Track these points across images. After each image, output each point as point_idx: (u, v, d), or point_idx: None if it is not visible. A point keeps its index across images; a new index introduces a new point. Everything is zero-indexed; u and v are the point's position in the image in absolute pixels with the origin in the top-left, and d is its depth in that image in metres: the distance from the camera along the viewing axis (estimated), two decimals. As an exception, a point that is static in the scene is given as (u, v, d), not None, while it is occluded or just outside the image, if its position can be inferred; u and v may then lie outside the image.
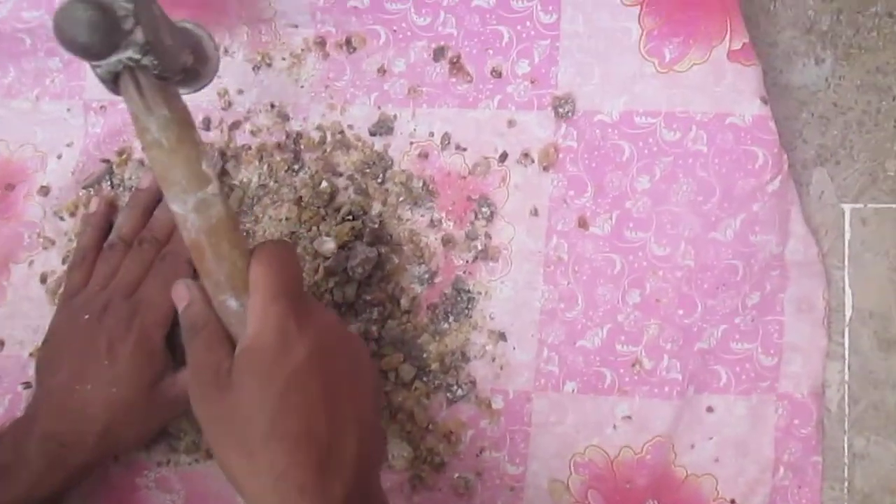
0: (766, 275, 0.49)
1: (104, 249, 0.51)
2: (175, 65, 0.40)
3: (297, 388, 0.37)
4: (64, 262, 0.55)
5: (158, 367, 0.48)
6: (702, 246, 0.49)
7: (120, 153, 0.55)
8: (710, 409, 0.49)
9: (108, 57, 0.36)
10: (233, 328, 0.40)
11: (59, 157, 0.56)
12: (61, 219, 0.56)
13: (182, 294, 0.42)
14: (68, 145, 0.56)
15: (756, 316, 0.49)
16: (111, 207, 0.54)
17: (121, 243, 0.51)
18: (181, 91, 0.42)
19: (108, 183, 0.55)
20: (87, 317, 0.48)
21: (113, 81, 0.38)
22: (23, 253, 0.56)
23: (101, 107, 0.56)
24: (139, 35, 0.36)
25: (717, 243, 0.49)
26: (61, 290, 0.52)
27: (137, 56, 0.36)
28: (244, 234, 0.42)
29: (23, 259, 0.56)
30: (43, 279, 0.55)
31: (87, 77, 0.56)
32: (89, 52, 0.35)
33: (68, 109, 0.56)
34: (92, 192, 0.55)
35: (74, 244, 0.55)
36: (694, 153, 0.49)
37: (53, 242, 0.56)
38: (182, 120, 0.39)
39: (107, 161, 0.55)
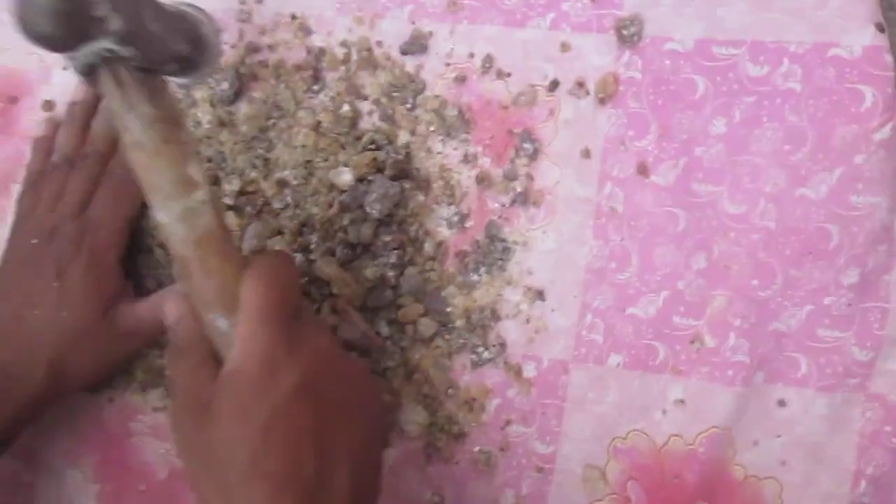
0: (869, 248, 0.40)
1: (48, 171, 0.48)
2: (163, 55, 0.35)
3: (283, 421, 0.33)
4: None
5: (112, 289, 0.45)
6: (786, 204, 0.41)
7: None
8: (781, 403, 0.41)
9: (77, 48, 0.31)
10: (222, 350, 0.35)
11: (65, 69, 0.51)
12: (66, 136, 0.51)
13: (171, 309, 0.37)
14: (72, 55, 0.51)
15: (853, 299, 0.40)
16: (57, 128, 0.50)
17: (64, 163, 0.47)
18: (177, 81, 0.37)
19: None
20: (35, 241, 0.45)
21: (90, 74, 0.33)
22: (25, 171, 0.51)
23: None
24: (115, 22, 0.31)
25: (807, 202, 0.40)
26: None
27: (115, 46, 0.31)
28: (236, 245, 0.37)
29: (23, 178, 0.51)
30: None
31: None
32: (53, 43, 0.30)
33: (74, 14, 0.51)
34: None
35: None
36: (784, 92, 0.41)
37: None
38: (168, 117, 0.34)
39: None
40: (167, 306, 0.38)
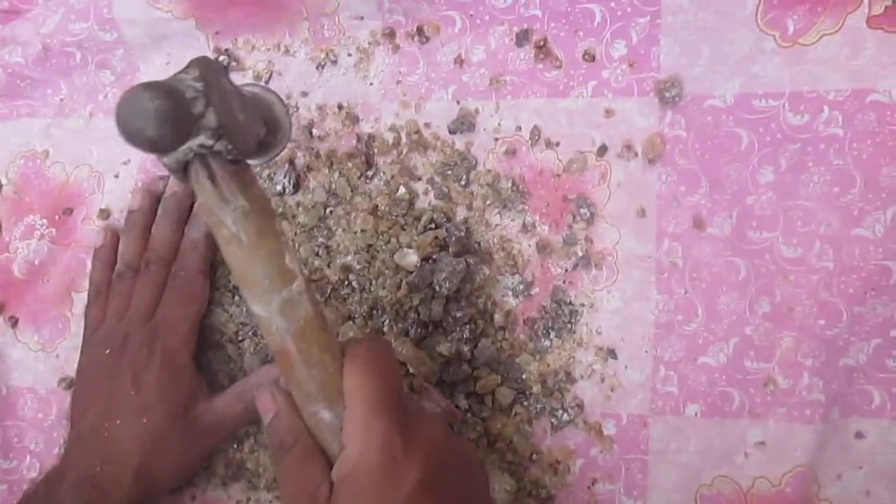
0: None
1: (113, 280, 0.49)
2: (249, 144, 0.35)
3: None
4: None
5: (188, 389, 0.45)
6: (843, 244, 0.42)
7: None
8: (859, 435, 0.42)
9: (177, 148, 0.32)
10: (326, 443, 0.35)
11: (117, 176, 0.52)
12: (123, 241, 0.52)
13: (268, 404, 0.37)
14: (125, 163, 0.52)
15: (918, 328, 0.42)
16: (116, 238, 0.51)
17: (128, 270, 0.49)
18: (251, 163, 0.37)
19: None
20: (108, 351, 0.45)
21: (182, 171, 0.33)
22: (84, 281, 0.52)
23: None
24: (211, 118, 0.31)
25: (863, 241, 0.42)
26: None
27: (210, 142, 0.31)
28: (329, 324, 0.37)
29: (85, 287, 0.52)
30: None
31: (142, 87, 0.52)
32: (159, 147, 0.30)
33: (123, 123, 0.52)
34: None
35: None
36: (826, 138, 0.43)
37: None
38: (262, 210, 0.34)
39: (165, 178, 0.51)
40: (261, 401, 0.38)
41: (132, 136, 0.29)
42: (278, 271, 0.34)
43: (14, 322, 0.53)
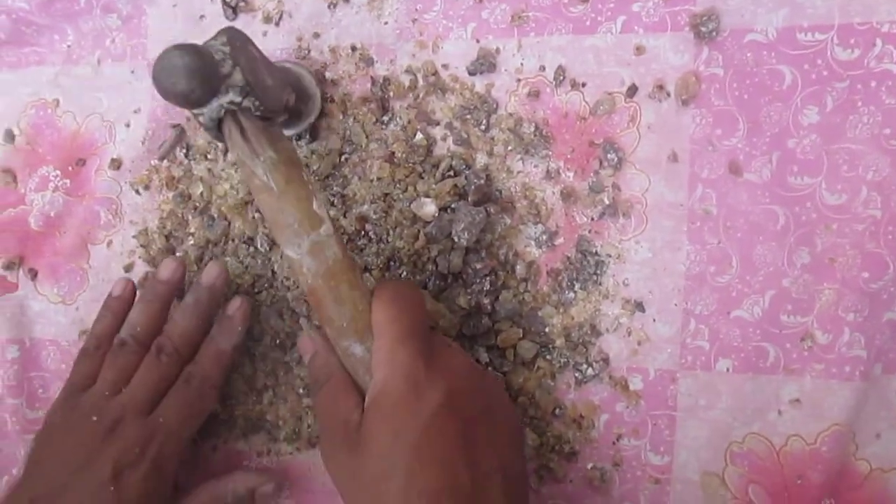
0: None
1: (114, 346, 0.44)
2: (278, 104, 0.39)
3: (434, 439, 0.34)
4: (140, 242, 0.51)
5: (167, 497, 0.43)
6: (892, 191, 0.39)
7: (190, 117, 0.49)
8: (903, 392, 0.40)
9: (209, 103, 0.35)
10: (359, 377, 0.38)
11: (128, 125, 0.51)
12: (137, 192, 0.51)
13: (306, 345, 0.40)
14: (136, 112, 0.51)
15: (968, 280, 0.39)
16: (133, 292, 0.47)
17: (134, 343, 0.44)
18: (285, 132, 0.40)
19: (183, 151, 0.50)
20: (94, 419, 0.42)
21: (217, 128, 0.36)
22: (101, 232, 0.51)
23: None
24: (238, 77, 0.35)
25: (915, 186, 0.39)
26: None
27: (239, 98, 0.35)
28: (359, 266, 0.40)
29: (101, 239, 0.52)
30: (128, 268, 0.51)
31: (150, 34, 0.50)
32: (190, 99, 0.34)
33: (132, 72, 0.51)
34: (167, 163, 0.50)
35: (147, 224, 0.50)
36: (879, 74, 0.39)
37: (131, 221, 0.51)
38: (290, 160, 0.37)
39: (177, 126, 0.50)
40: (301, 343, 0.41)
41: (166, 90, 0.33)
42: (307, 215, 0.36)
43: (34, 274, 0.53)
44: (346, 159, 0.47)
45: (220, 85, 0.35)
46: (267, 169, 0.36)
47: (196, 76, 0.33)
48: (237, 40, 0.36)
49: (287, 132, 0.41)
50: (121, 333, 0.45)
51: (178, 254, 0.50)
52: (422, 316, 0.38)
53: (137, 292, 0.48)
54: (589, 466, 0.44)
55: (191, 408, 0.43)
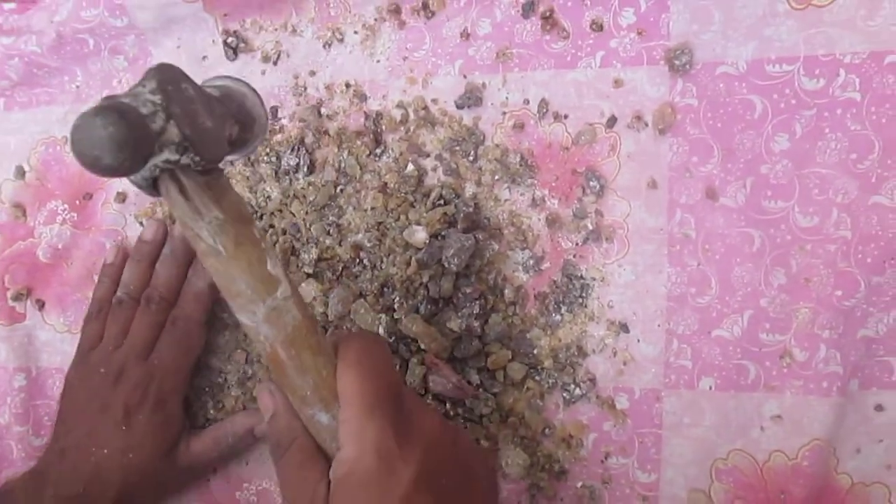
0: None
1: (113, 305, 0.50)
2: (220, 150, 0.33)
3: None
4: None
5: (175, 433, 0.47)
6: (860, 212, 0.41)
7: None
8: (879, 408, 0.41)
9: (140, 169, 0.30)
10: (325, 444, 0.35)
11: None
12: (141, 224, 0.53)
13: (266, 403, 0.37)
14: (140, 146, 0.53)
15: (938, 296, 0.41)
16: (125, 258, 0.51)
17: (129, 300, 0.49)
18: (229, 158, 0.35)
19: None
20: (102, 371, 0.47)
21: (152, 186, 0.32)
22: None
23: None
24: (173, 132, 0.29)
25: (882, 208, 0.41)
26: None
27: (175, 157, 0.30)
28: (322, 331, 0.36)
29: (106, 269, 0.53)
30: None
31: (154, 71, 0.53)
32: (118, 172, 0.28)
33: (137, 108, 0.53)
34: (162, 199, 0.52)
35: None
36: (843, 103, 0.41)
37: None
38: (238, 217, 0.33)
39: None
40: (261, 398, 0.37)
41: (90, 165, 0.27)
42: (261, 279, 0.33)
43: (41, 305, 0.55)
44: (342, 190, 0.49)
45: (153, 145, 0.29)
46: (213, 231, 0.32)
47: (124, 148, 0.27)
48: (169, 83, 0.30)
49: (230, 158, 0.36)
50: (117, 293, 0.50)
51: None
52: (390, 377, 0.35)
53: None
54: (578, 485, 0.45)
55: (180, 346, 0.48)
